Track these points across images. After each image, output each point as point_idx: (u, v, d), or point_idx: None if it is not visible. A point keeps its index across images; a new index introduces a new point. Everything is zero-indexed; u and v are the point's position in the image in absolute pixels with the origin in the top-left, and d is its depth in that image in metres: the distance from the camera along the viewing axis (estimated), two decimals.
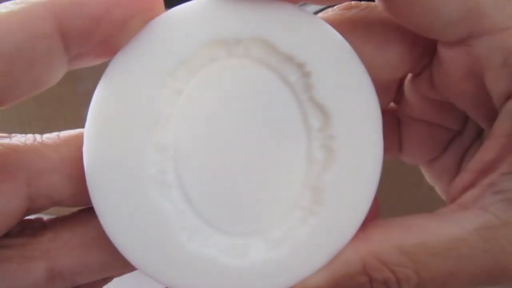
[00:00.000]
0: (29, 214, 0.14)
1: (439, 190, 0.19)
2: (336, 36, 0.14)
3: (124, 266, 0.14)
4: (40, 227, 0.15)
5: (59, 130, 0.15)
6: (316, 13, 0.15)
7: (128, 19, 0.13)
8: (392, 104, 0.19)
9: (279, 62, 0.14)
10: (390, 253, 0.13)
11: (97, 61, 0.14)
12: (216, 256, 0.14)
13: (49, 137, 0.14)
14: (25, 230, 0.14)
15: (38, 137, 0.14)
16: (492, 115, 0.14)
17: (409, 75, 0.17)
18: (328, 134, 0.14)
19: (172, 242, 0.13)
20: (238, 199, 0.14)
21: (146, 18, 0.13)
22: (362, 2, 0.16)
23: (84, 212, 0.15)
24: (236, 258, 0.14)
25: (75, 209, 0.15)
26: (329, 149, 0.14)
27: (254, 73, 0.14)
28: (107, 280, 0.16)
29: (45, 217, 0.15)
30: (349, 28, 0.15)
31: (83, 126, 0.14)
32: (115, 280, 0.16)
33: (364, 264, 0.13)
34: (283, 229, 0.14)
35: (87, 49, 0.13)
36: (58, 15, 0.12)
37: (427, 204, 0.18)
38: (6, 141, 0.14)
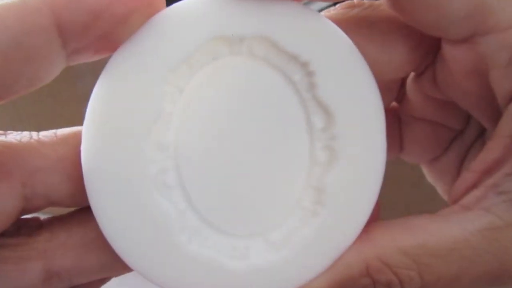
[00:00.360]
0: (25, 214, 0.14)
1: (440, 189, 0.19)
2: (340, 35, 0.14)
3: (123, 267, 0.14)
4: (36, 226, 0.14)
5: (58, 128, 0.14)
6: (319, 11, 0.15)
7: (128, 14, 0.12)
8: (393, 103, 0.19)
9: (283, 60, 0.14)
10: (393, 254, 0.13)
11: (96, 57, 0.13)
12: (216, 258, 0.13)
13: (46, 134, 0.14)
14: (21, 229, 0.14)
15: (34, 134, 0.14)
16: (496, 114, 0.14)
17: (412, 74, 0.17)
18: (331, 134, 0.14)
19: (171, 243, 0.13)
20: (239, 199, 0.14)
21: (147, 14, 0.13)
22: (365, 1, 0.15)
23: (81, 212, 0.15)
24: (236, 260, 0.13)
25: (71, 209, 0.15)
26: (331, 149, 0.14)
27: (257, 71, 0.14)
28: (104, 280, 0.15)
29: (41, 216, 0.15)
30: (353, 27, 0.14)
31: (81, 124, 0.13)
32: (116, 279, 0.15)
33: (366, 266, 0.13)
34: (285, 230, 0.14)
35: (85, 44, 0.12)
36: (56, 8, 0.12)
37: (428, 204, 0.18)
38: (1, 138, 0.13)
